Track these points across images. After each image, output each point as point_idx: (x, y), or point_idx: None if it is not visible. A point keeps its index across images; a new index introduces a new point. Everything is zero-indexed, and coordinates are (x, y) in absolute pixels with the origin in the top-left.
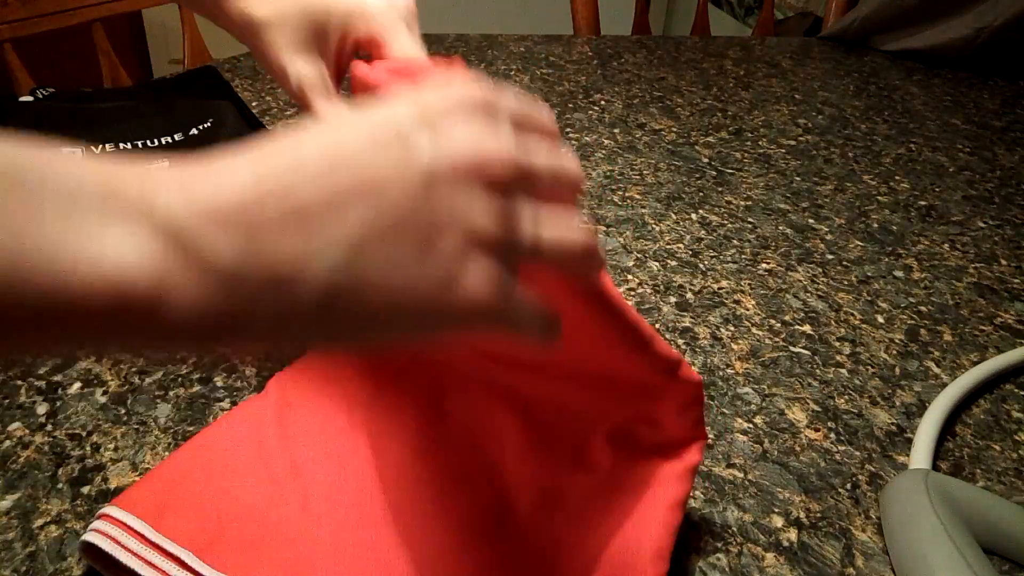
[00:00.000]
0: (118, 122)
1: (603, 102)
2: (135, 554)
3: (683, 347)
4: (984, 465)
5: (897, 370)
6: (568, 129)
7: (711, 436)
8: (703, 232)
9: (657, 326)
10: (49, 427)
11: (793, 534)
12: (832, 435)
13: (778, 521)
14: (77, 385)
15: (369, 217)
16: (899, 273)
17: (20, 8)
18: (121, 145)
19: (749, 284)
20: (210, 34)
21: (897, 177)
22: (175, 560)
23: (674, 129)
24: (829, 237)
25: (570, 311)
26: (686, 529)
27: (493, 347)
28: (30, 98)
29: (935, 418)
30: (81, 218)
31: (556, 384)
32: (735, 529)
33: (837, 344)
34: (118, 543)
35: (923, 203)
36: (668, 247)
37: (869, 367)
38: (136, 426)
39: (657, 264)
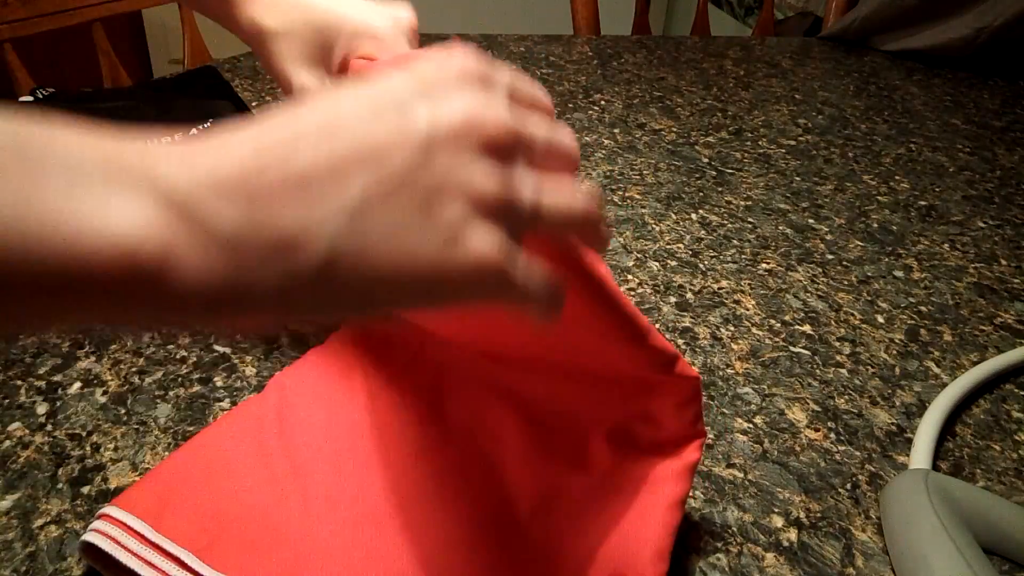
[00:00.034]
0: (118, 122)
1: (603, 102)
2: (135, 554)
3: (683, 347)
4: (984, 465)
5: (897, 370)
6: None
7: (711, 436)
8: (703, 232)
9: (657, 326)
10: (49, 427)
11: (793, 534)
12: (832, 435)
13: (778, 521)
14: (77, 385)
15: (369, 183)
16: (899, 273)
17: (20, 8)
18: None
19: (749, 284)
20: (210, 34)
21: (897, 177)
22: (175, 560)
23: (674, 129)
24: (829, 237)
25: (567, 302)
26: (686, 529)
27: (492, 342)
28: (30, 98)
29: (935, 418)
30: (85, 188)
31: (555, 383)
32: (735, 529)
33: (837, 344)
34: (118, 543)
35: (923, 203)
36: (668, 247)
37: (869, 367)
38: (136, 426)
39: (657, 264)
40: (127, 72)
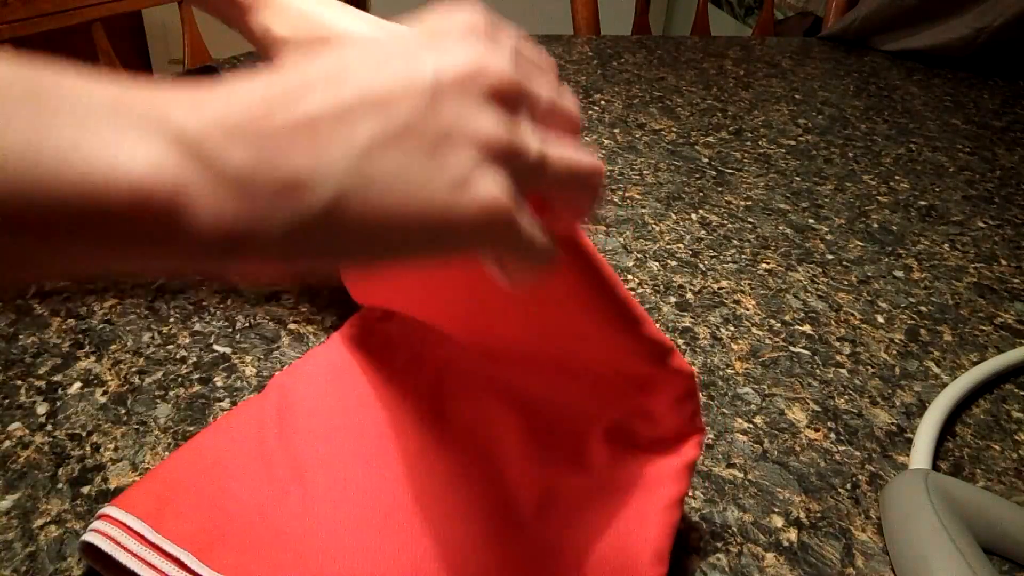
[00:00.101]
0: None
1: (603, 102)
2: (135, 555)
3: (683, 347)
4: (984, 465)
5: (897, 370)
6: None
7: (711, 436)
8: (703, 232)
9: (657, 326)
10: (49, 427)
11: (793, 534)
12: (832, 435)
13: (778, 521)
14: (77, 385)
15: (376, 128)
16: (899, 273)
17: (20, 8)
18: None
19: (749, 284)
20: (210, 34)
21: (897, 177)
22: (175, 561)
23: (674, 129)
24: (829, 237)
25: (560, 285)
26: (686, 529)
27: (490, 335)
28: None
29: (935, 418)
30: (96, 129)
31: (553, 381)
32: (735, 529)
33: (837, 344)
34: (118, 544)
35: (923, 203)
36: (668, 247)
37: (869, 367)
38: (136, 426)
39: (657, 264)
40: (127, 72)
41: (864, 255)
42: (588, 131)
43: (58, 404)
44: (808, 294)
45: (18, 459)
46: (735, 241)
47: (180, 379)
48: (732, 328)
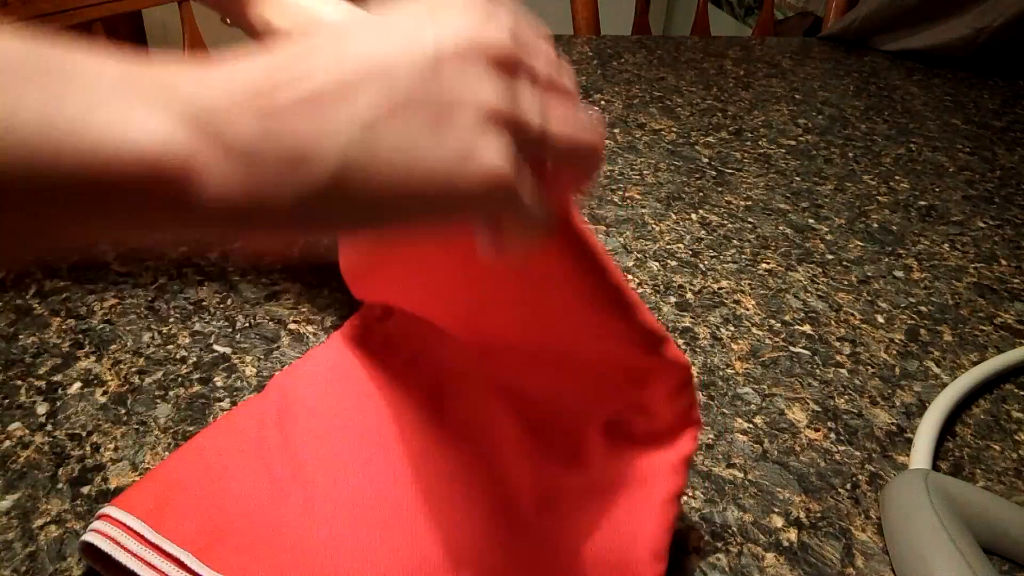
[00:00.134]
0: None
1: (603, 102)
2: (134, 555)
3: (683, 347)
4: (984, 465)
5: (897, 370)
6: None
7: (711, 436)
8: (703, 232)
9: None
10: (49, 427)
11: (793, 534)
12: (832, 435)
13: (778, 521)
14: (77, 385)
15: (379, 100)
16: (899, 273)
17: (20, 8)
18: None
19: (749, 284)
20: (210, 34)
21: (897, 177)
22: (174, 561)
23: (674, 129)
24: (829, 237)
25: (556, 269)
26: (686, 529)
27: (487, 323)
28: None
29: (935, 418)
30: (106, 102)
31: (550, 376)
32: (735, 529)
33: (837, 344)
34: (118, 544)
35: (923, 203)
36: (668, 247)
37: (869, 367)
38: (136, 426)
39: (657, 264)
40: None
41: (864, 255)
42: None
43: (58, 404)
44: (808, 294)
45: (18, 459)
46: (735, 241)
47: (180, 379)
48: (732, 328)
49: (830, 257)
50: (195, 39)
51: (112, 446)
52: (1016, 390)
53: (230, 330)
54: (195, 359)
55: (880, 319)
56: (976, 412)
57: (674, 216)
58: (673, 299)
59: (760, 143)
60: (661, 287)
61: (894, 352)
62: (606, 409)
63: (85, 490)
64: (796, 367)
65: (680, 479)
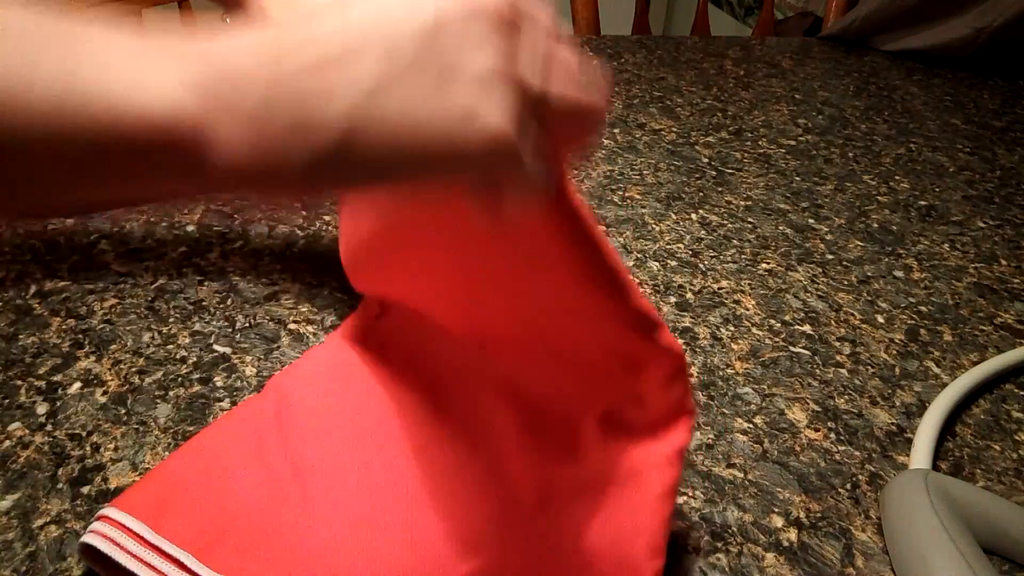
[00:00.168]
0: None
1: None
2: (134, 556)
3: (683, 347)
4: (984, 465)
5: (897, 370)
6: None
7: (711, 436)
8: (703, 232)
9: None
10: (49, 427)
11: (793, 534)
12: (832, 435)
13: (778, 521)
14: (77, 385)
15: (383, 63)
16: (899, 273)
17: None
18: None
19: (749, 284)
20: None
21: (897, 177)
22: (174, 562)
23: (674, 129)
24: (829, 237)
25: (553, 247)
26: (686, 529)
27: (482, 307)
28: None
29: (935, 418)
30: (118, 69)
31: (544, 367)
32: (735, 529)
33: (837, 344)
34: (117, 545)
35: (923, 203)
36: (668, 247)
37: (869, 367)
38: (136, 426)
39: (657, 264)
40: None
41: (864, 255)
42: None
43: (58, 404)
44: (808, 294)
45: (18, 459)
46: (735, 241)
47: (180, 379)
48: (732, 328)
49: (830, 257)
50: None
51: (112, 446)
52: (1016, 390)
53: (230, 330)
54: (195, 359)
55: (880, 319)
56: (976, 412)
57: (674, 216)
58: (673, 299)
59: (760, 143)
60: (661, 287)
61: (894, 352)
62: (601, 400)
63: (85, 490)
64: (796, 367)
65: (675, 471)
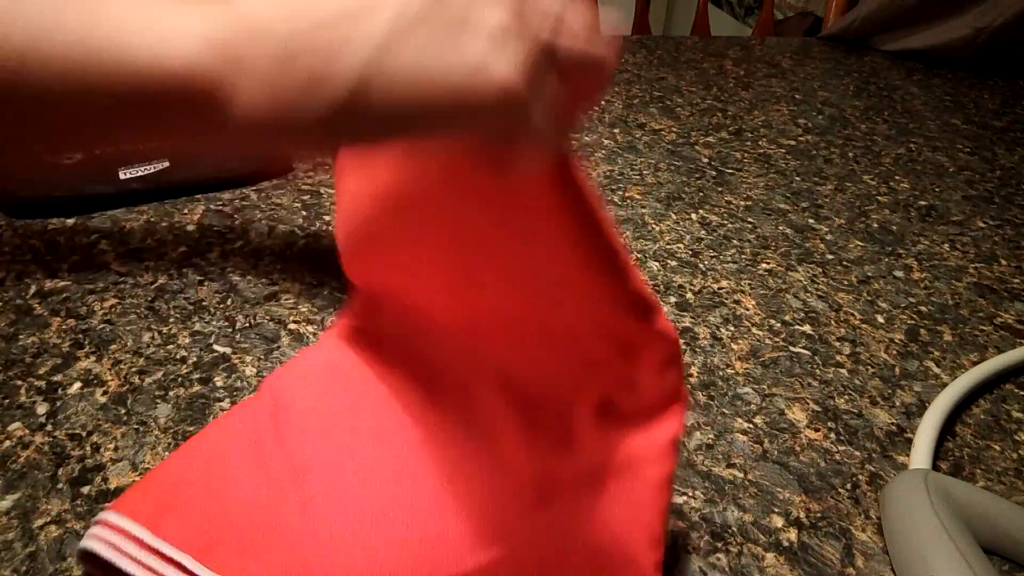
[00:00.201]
0: None
1: (603, 102)
2: (134, 559)
3: (683, 347)
4: (984, 465)
5: (897, 370)
6: None
7: (711, 436)
8: (703, 232)
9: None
10: (49, 427)
11: (793, 534)
12: (832, 435)
13: (778, 521)
14: (77, 385)
15: (392, 21)
16: (899, 273)
17: None
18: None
19: (749, 284)
20: None
21: (897, 177)
22: (174, 564)
23: (674, 129)
24: (829, 237)
25: (552, 221)
26: (686, 529)
27: (479, 299)
28: None
29: (935, 418)
30: (137, 22)
31: (538, 355)
32: (735, 529)
33: (837, 344)
34: (116, 548)
35: (923, 203)
36: (668, 247)
37: (869, 367)
38: (136, 426)
39: (657, 264)
40: None
41: (864, 255)
42: (588, 131)
43: (58, 404)
44: (808, 294)
45: (18, 459)
46: (735, 241)
47: (180, 379)
48: (732, 328)
49: (830, 257)
50: None
51: (112, 446)
52: (1016, 390)
53: (230, 330)
54: (195, 359)
55: (880, 319)
56: (976, 412)
57: (674, 216)
58: (673, 299)
59: (760, 143)
60: (661, 287)
61: (894, 352)
62: (595, 386)
63: (85, 490)
64: (796, 367)
65: (671, 461)
